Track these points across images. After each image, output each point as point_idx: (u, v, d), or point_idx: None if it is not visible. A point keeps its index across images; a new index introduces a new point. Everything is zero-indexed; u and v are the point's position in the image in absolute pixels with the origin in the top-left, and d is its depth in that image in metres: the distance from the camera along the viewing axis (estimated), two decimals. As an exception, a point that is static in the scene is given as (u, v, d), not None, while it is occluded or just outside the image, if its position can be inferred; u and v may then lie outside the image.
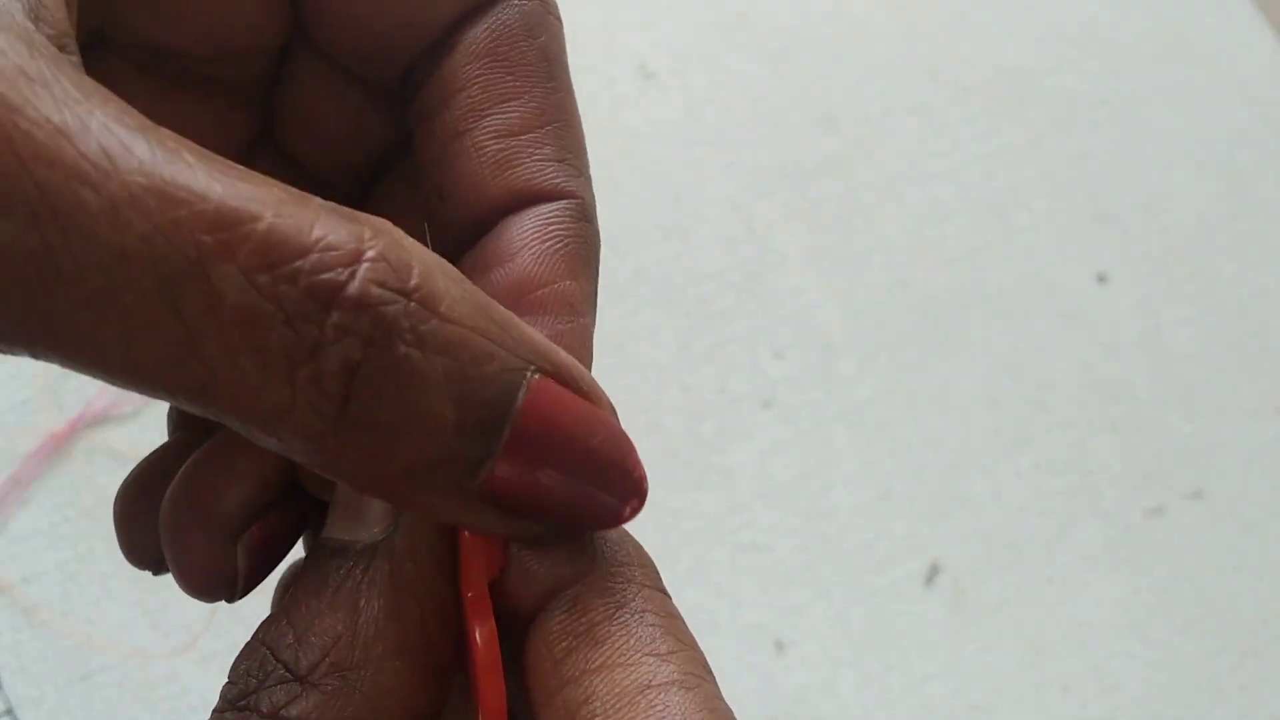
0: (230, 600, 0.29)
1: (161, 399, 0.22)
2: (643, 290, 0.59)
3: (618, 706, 0.24)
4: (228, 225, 0.21)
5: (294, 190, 0.23)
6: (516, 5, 0.29)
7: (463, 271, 0.26)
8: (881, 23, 0.66)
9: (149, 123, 0.22)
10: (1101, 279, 0.64)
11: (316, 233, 0.22)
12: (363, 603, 0.25)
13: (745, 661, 0.55)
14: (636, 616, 0.25)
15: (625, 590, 0.25)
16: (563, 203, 0.29)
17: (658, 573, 0.26)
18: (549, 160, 0.29)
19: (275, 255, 0.21)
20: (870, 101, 0.65)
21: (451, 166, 0.29)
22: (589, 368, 0.28)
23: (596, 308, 0.30)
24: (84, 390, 0.53)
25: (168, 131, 0.22)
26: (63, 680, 0.49)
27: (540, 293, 0.28)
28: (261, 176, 0.22)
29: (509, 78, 0.28)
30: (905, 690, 0.55)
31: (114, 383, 0.22)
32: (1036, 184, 0.65)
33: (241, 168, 0.22)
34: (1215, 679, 0.58)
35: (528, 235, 0.28)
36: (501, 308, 0.24)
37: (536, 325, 0.28)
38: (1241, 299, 0.65)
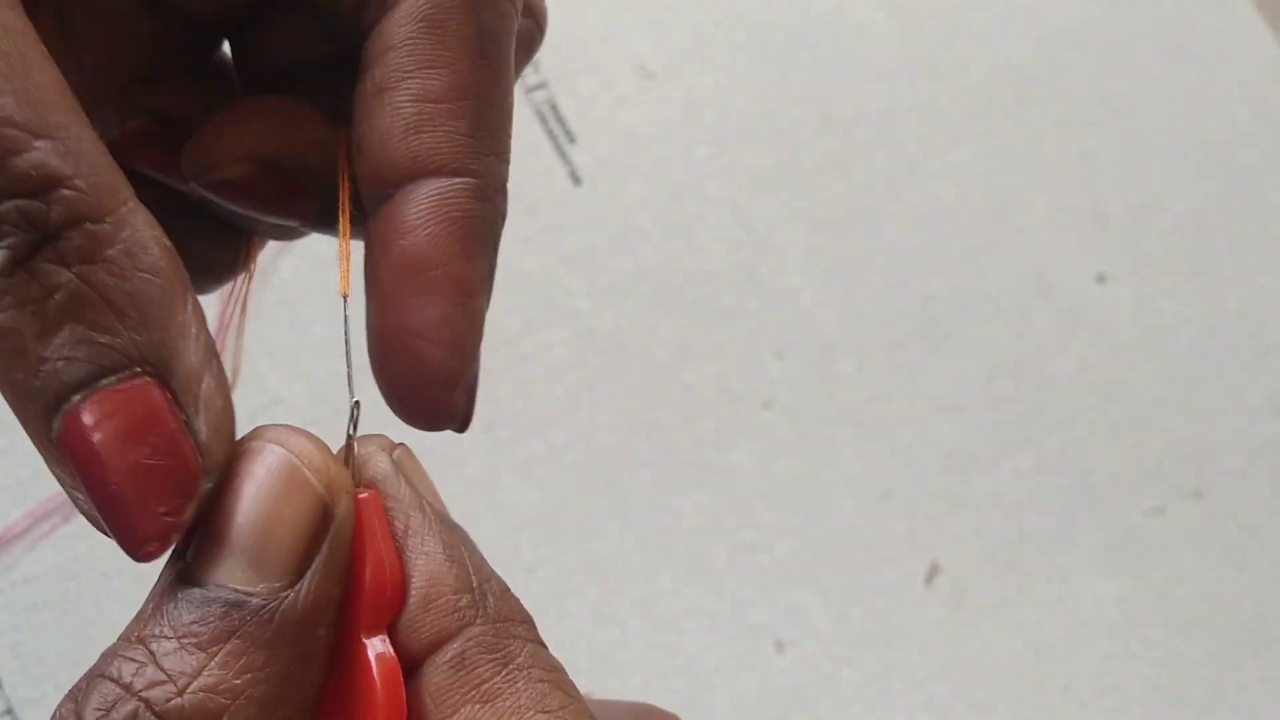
0: None
1: None
2: (643, 290, 0.59)
3: None
4: None
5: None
6: None
7: (367, 240, 0.28)
8: (881, 23, 0.66)
9: None
10: (1101, 279, 0.64)
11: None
12: (261, 664, 0.24)
13: (745, 661, 0.55)
14: (524, 673, 0.25)
15: (510, 646, 0.25)
16: (463, 180, 0.28)
17: (536, 628, 0.26)
18: (460, 134, 0.28)
19: None
20: (870, 101, 0.65)
21: (368, 121, 0.29)
22: (476, 346, 0.29)
23: (492, 286, 0.30)
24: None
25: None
26: (63, 680, 0.49)
27: (434, 274, 0.28)
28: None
29: (438, 46, 0.28)
30: (905, 690, 0.55)
31: None
32: (1036, 184, 0.65)
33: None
34: (1215, 679, 0.58)
35: (424, 212, 0.28)
36: (170, 292, 0.24)
37: (429, 306, 0.28)
38: (1241, 299, 0.65)
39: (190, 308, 0.24)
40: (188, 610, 0.24)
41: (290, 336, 0.55)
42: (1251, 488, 0.61)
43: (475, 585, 0.26)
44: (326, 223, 0.30)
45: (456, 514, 0.28)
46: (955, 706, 0.56)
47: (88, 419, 0.23)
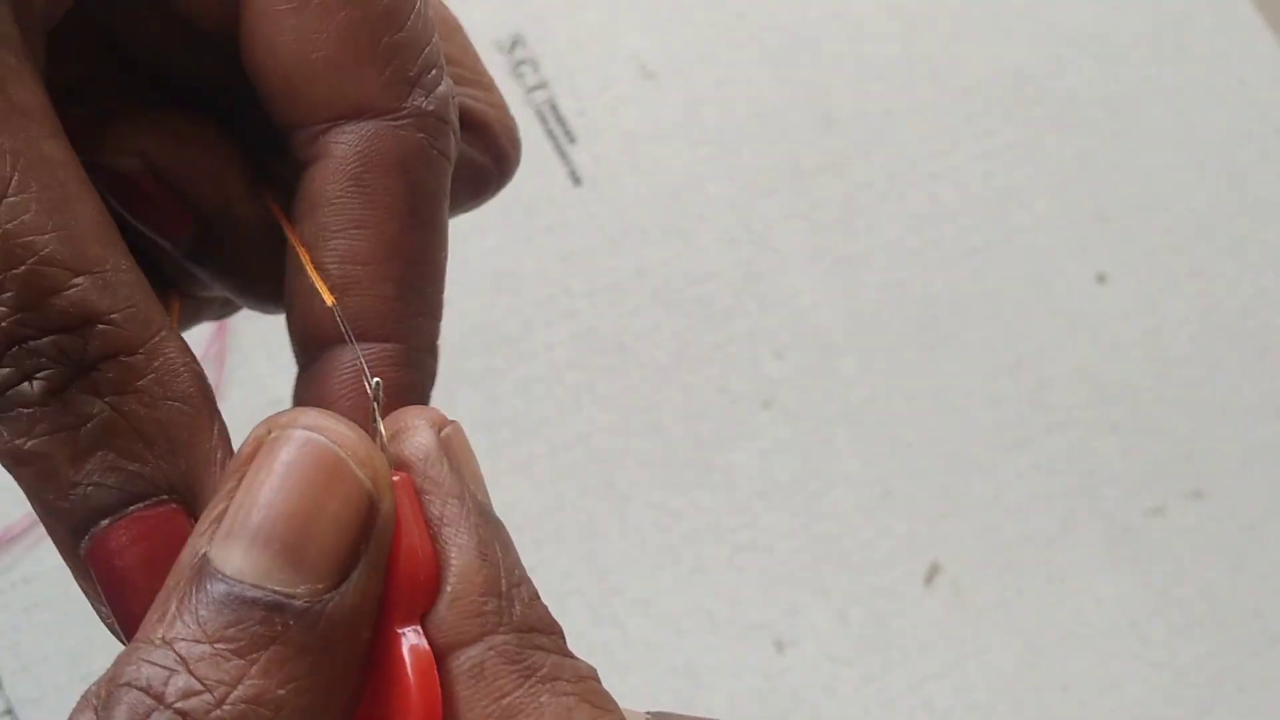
0: None
1: None
2: (643, 290, 0.59)
3: None
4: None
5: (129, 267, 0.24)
6: (397, 131, 0.28)
7: (296, 404, 0.28)
8: (881, 23, 0.66)
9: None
10: (1101, 279, 0.64)
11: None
12: (305, 672, 0.22)
13: (745, 661, 0.55)
14: (547, 686, 0.24)
15: (533, 657, 0.24)
16: (390, 346, 0.28)
17: (564, 639, 0.25)
18: (386, 297, 0.28)
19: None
20: (870, 101, 0.65)
21: (294, 280, 0.28)
22: None
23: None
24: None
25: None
26: (63, 680, 0.49)
27: None
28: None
29: (366, 206, 0.28)
30: (905, 690, 0.55)
31: None
32: (1036, 184, 0.65)
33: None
34: (1215, 679, 0.58)
35: (346, 383, 0.28)
36: (197, 420, 0.25)
37: None
38: (1241, 299, 0.65)
39: (216, 432, 0.25)
40: (220, 612, 0.22)
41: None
42: (1251, 488, 0.61)
43: (504, 590, 0.24)
44: (198, 258, 0.30)
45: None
46: (955, 706, 0.55)
47: (115, 544, 0.24)
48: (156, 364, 0.24)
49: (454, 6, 0.65)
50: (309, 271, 0.29)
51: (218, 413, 0.25)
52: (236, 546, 0.23)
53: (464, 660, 0.24)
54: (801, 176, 0.63)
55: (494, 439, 0.55)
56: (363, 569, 0.23)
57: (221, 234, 0.29)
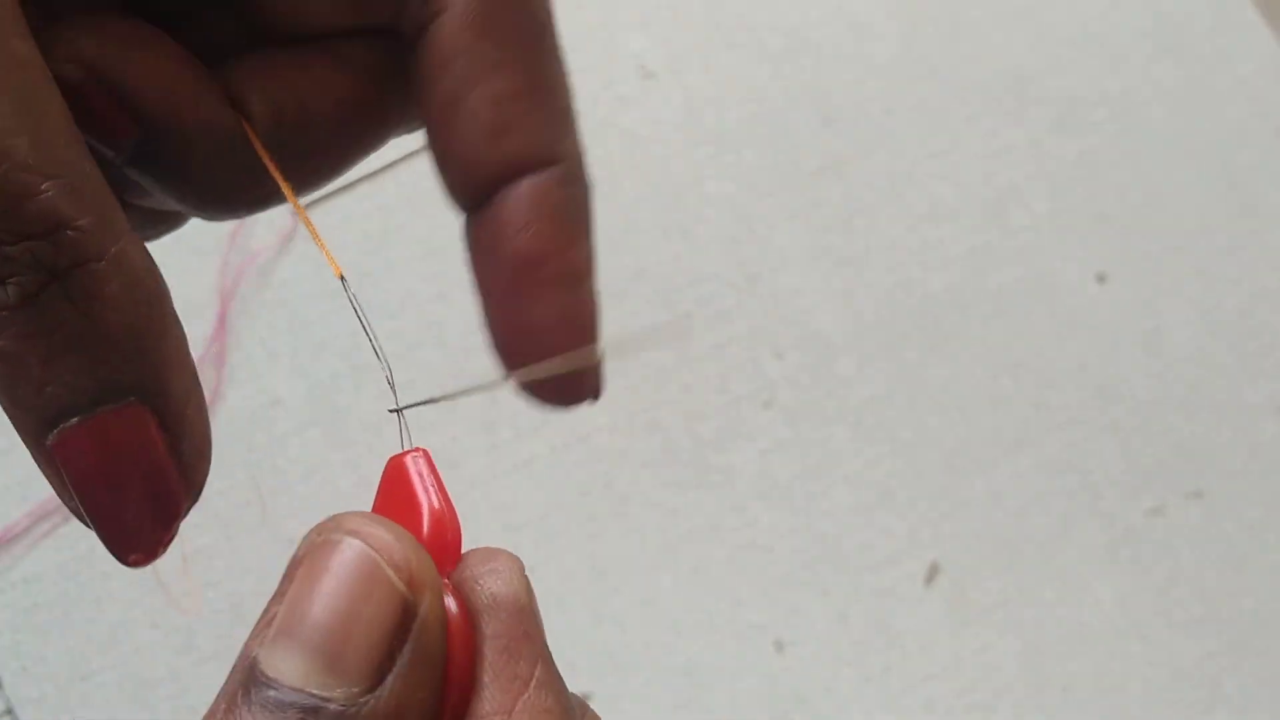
0: None
1: None
2: (643, 290, 0.59)
3: None
4: None
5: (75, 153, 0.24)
6: None
7: (471, 245, 0.29)
8: (881, 23, 0.66)
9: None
10: (1101, 279, 0.64)
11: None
12: None
13: (745, 661, 0.55)
14: None
15: None
16: (554, 169, 0.29)
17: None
18: (540, 126, 0.29)
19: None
20: (870, 101, 0.65)
21: (448, 132, 0.29)
22: (598, 325, 0.30)
23: (597, 261, 0.31)
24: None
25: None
26: (63, 680, 0.49)
27: (548, 269, 0.29)
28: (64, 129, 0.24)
29: (499, 47, 0.29)
30: (905, 690, 0.55)
31: None
32: (1036, 184, 0.65)
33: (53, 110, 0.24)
34: (1215, 679, 0.58)
35: (524, 210, 0.29)
36: (161, 323, 0.25)
37: (549, 301, 0.29)
38: (1241, 299, 0.65)
39: (177, 335, 0.26)
40: (261, 713, 0.23)
41: (290, 336, 0.55)
42: (1251, 488, 0.61)
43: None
44: (141, 165, 0.30)
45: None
46: (955, 706, 0.55)
47: (83, 442, 0.25)
48: (123, 269, 0.25)
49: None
50: (295, 212, 0.30)
51: (175, 315, 0.26)
52: (280, 650, 0.24)
53: None
54: (801, 176, 0.63)
55: (494, 439, 0.55)
56: (398, 673, 0.24)
57: (167, 140, 0.29)
